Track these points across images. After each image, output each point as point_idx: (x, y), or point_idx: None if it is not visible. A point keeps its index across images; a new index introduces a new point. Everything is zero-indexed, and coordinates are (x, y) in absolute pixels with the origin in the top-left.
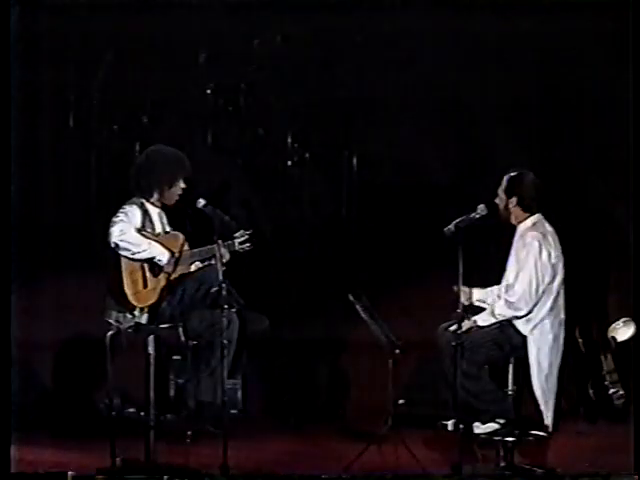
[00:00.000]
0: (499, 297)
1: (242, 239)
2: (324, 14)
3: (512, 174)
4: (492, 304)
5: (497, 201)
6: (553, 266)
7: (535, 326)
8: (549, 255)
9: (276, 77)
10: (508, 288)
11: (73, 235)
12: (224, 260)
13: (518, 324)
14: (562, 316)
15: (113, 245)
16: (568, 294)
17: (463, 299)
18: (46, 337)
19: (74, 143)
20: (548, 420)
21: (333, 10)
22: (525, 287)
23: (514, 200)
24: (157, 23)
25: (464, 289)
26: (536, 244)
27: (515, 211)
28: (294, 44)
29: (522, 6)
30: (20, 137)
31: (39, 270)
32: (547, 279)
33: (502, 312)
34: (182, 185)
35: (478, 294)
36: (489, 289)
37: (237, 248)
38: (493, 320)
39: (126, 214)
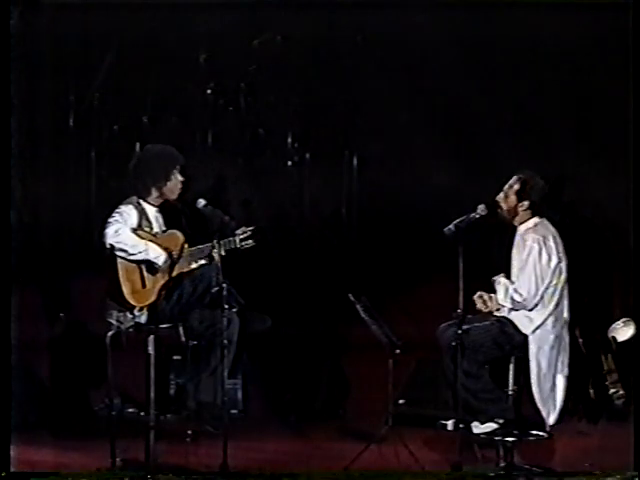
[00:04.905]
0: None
1: (244, 236)
2: (324, 14)
3: (523, 177)
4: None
5: (502, 203)
6: (554, 269)
7: (537, 327)
8: (549, 258)
9: (276, 77)
10: (514, 287)
11: (73, 235)
12: (216, 260)
13: (519, 324)
14: (565, 317)
15: (108, 246)
16: (569, 294)
17: (487, 308)
18: (46, 337)
19: (74, 143)
20: (547, 419)
21: (333, 10)
22: (529, 289)
23: (525, 204)
24: (157, 23)
25: (485, 296)
26: (536, 247)
27: (523, 214)
28: (294, 44)
29: (522, 7)
30: (20, 137)
31: (39, 270)
32: (547, 281)
33: (512, 306)
34: (180, 177)
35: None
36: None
37: (239, 245)
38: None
39: (121, 214)
